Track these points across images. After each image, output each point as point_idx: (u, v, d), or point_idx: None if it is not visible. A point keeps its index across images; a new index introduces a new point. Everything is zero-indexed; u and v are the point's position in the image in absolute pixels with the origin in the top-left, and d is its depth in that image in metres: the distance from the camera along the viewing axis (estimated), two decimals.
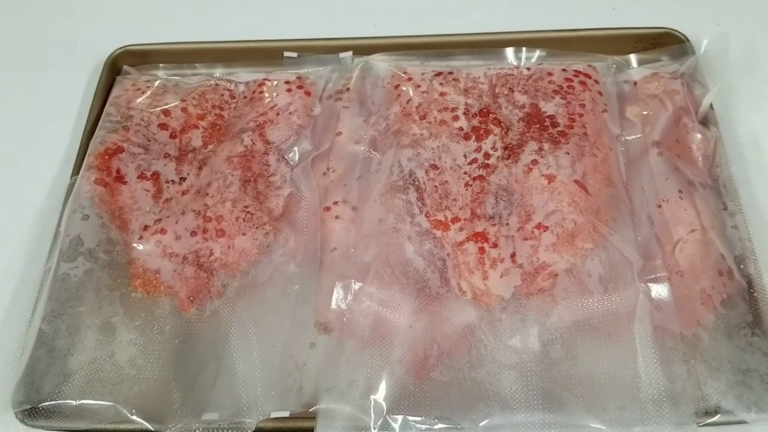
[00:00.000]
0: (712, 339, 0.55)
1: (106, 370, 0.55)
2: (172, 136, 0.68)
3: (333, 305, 0.57)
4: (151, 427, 0.53)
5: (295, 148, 0.66)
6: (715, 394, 0.53)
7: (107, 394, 0.54)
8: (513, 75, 0.70)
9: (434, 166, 0.63)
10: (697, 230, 0.59)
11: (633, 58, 0.73)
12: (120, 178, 0.64)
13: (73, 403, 0.54)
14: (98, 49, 0.76)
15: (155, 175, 0.65)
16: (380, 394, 0.53)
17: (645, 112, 0.67)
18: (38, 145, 0.72)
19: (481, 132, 0.65)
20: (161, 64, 0.76)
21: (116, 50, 0.75)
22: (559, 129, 0.64)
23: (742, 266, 0.58)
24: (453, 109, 0.67)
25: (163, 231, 0.62)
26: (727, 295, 0.57)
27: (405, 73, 0.71)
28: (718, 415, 0.52)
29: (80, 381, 0.55)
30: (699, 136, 0.65)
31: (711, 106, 0.67)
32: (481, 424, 0.52)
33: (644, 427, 0.51)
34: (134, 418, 0.53)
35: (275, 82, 0.71)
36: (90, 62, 0.77)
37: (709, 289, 0.57)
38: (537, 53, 0.72)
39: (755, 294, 0.57)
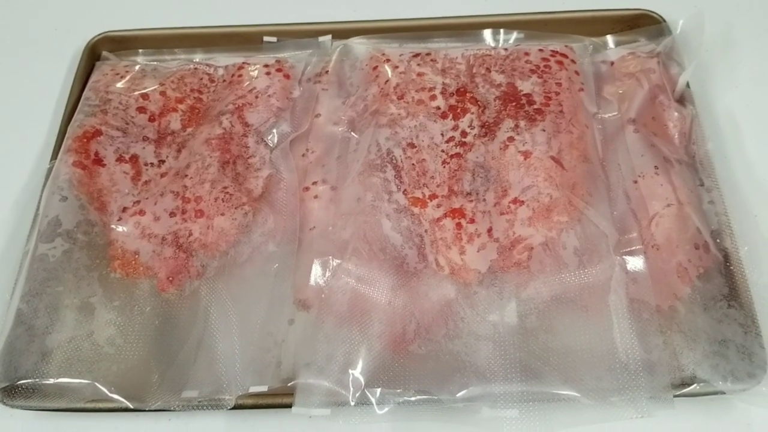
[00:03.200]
0: (688, 311, 0.55)
1: (85, 349, 0.55)
2: (151, 120, 0.68)
3: (311, 282, 0.57)
4: (130, 405, 0.53)
5: (274, 130, 0.66)
6: (692, 364, 0.53)
7: (86, 372, 0.54)
8: (490, 55, 0.70)
9: (411, 145, 0.63)
10: (673, 205, 0.59)
11: (610, 39, 0.73)
12: (98, 161, 0.64)
13: (52, 381, 0.53)
14: (78, 36, 0.76)
15: (134, 158, 0.65)
16: (358, 369, 0.53)
17: (621, 91, 0.67)
18: (18, 130, 0.72)
19: (458, 111, 0.66)
20: (140, 50, 0.75)
21: (95, 36, 0.75)
22: (536, 107, 0.64)
23: (718, 240, 0.58)
24: (430, 89, 0.67)
25: (142, 212, 0.62)
26: (704, 268, 0.57)
27: (383, 54, 0.71)
28: (695, 385, 0.52)
29: (59, 359, 0.54)
30: (675, 113, 0.65)
31: (687, 85, 0.67)
32: (458, 395, 0.52)
33: (621, 396, 0.51)
34: (113, 396, 0.53)
35: (254, 66, 0.71)
36: (69, 49, 0.76)
37: (686, 262, 0.57)
38: (514, 35, 0.73)
39: (731, 267, 0.57)
